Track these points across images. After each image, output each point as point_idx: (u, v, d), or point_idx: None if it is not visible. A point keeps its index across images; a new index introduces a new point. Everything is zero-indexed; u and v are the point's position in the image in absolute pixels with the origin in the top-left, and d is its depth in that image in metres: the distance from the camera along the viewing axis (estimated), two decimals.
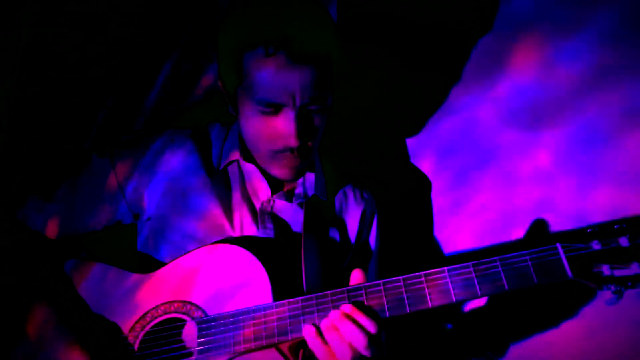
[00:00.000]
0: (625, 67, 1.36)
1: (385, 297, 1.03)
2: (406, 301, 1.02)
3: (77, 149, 1.56)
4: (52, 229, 1.24)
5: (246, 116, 1.20)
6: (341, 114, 1.44)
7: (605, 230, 0.99)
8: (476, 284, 1.00)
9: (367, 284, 1.05)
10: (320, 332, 1.03)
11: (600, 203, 1.29)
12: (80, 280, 1.19)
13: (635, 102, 1.34)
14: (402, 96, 1.64)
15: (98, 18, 1.57)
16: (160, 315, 1.13)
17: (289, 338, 1.05)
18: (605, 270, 0.95)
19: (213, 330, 1.09)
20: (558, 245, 0.99)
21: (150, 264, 1.23)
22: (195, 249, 1.17)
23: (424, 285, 1.02)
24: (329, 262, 1.31)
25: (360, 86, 1.66)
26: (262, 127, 1.18)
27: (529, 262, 0.98)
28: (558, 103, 1.43)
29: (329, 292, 1.06)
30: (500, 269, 0.99)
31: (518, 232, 1.44)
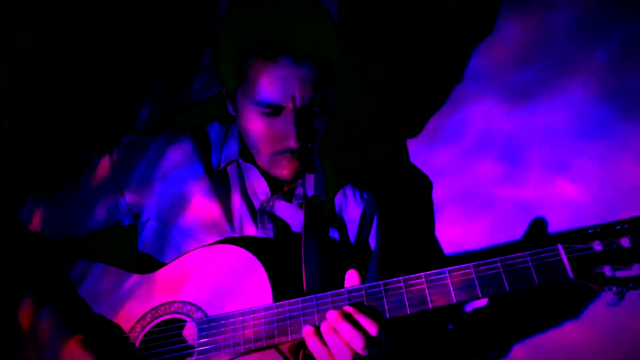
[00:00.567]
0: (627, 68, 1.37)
1: (386, 297, 1.03)
2: (406, 302, 1.02)
3: (77, 149, 1.55)
4: (51, 230, 1.24)
5: (246, 117, 1.20)
6: (341, 114, 1.44)
7: (607, 231, 0.98)
8: (477, 284, 0.99)
9: (368, 284, 1.05)
10: (319, 333, 1.03)
11: (601, 203, 1.29)
12: (80, 281, 1.19)
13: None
14: (402, 96, 1.64)
15: (98, 18, 1.57)
16: (161, 316, 1.13)
17: (289, 339, 1.05)
18: (607, 271, 0.95)
19: (213, 330, 1.08)
20: (559, 246, 0.98)
21: (151, 264, 1.22)
22: (195, 249, 1.17)
23: (425, 286, 1.01)
24: (328, 262, 1.30)
25: (361, 86, 1.66)
26: (262, 128, 1.18)
27: (530, 263, 0.98)
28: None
29: (329, 292, 1.06)
30: (501, 269, 0.99)
31: (519, 233, 1.44)
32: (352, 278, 1.06)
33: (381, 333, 1.01)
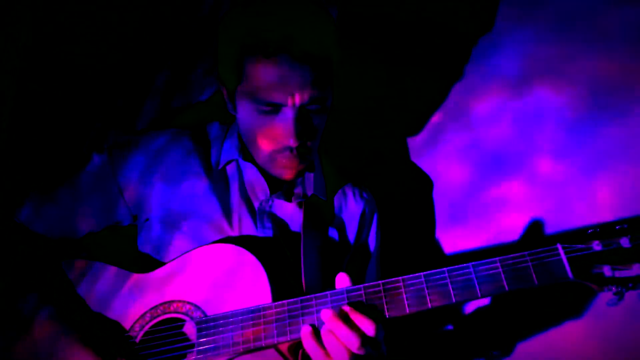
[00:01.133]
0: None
1: (385, 297, 1.03)
2: (405, 302, 1.01)
3: (77, 149, 1.56)
4: (49, 230, 1.24)
5: (245, 115, 1.20)
6: (341, 113, 1.44)
7: (607, 230, 0.98)
8: (476, 284, 0.99)
9: (367, 284, 1.05)
10: (316, 334, 1.02)
11: (601, 203, 1.29)
12: (79, 280, 1.19)
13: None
14: (402, 96, 1.64)
15: (98, 17, 1.57)
16: (160, 315, 1.13)
17: (288, 338, 1.05)
18: (607, 271, 0.95)
19: (212, 330, 1.08)
20: (559, 245, 0.98)
21: (150, 264, 1.22)
22: (194, 248, 1.17)
23: (424, 285, 1.01)
24: (328, 262, 1.30)
25: (361, 85, 1.66)
26: (262, 127, 1.18)
27: (530, 263, 0.98)
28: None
29: (328, 292, 1.06)
30: (500, 269, 0.99)
31: (517, 233, 1.44)
32: (342, 281, 1.06)
33: (379, 333, 1.01)
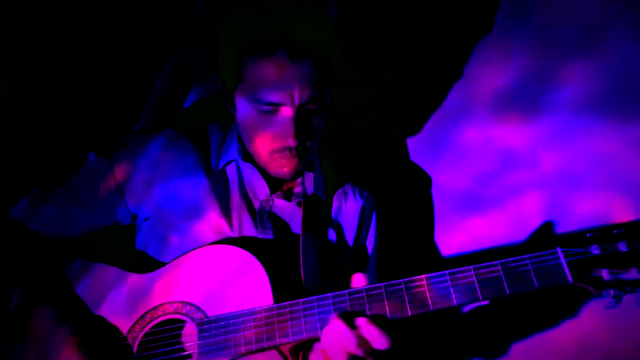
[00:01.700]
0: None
1: (387, 299, 1.04)
2: (407, 304, 1.02)
3: (75, 149, 1.55)
4: (48, 230, 1.23)
5: (245, 115, 1.20)
6: (341, 113, 1.43)
7: (605, 234, 0.99)
8: (477, 287, 1.00)
9: (369, 286, 1.05)
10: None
11: (601, 207, 1.30)
12: (78, 280, 1.19)
13: None
14: (402, 95, 1.64)
15: (98, 17, 1.56)
16: (160, 316, 1.13)
17: (290, 340, 1.05)
18: (605, 275, 0.96)
19: (213, 331, 1.09)
20: (558, 249, 0.99)
21: (149, 264, 1.22)
22: (194, 249, 1.17)
23: (425, 288, 1.02)
24: (327, 262, 1.31)
25: (360, 85, 1.65)
26: (261, 127, 1.18)
27: (530, 267, 0.99)
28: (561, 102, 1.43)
29: (329, 294, 1.06)
30: (501, 273, 1.00)
31: (519, 235, 1.45)
32: (358, 281, 1.07)
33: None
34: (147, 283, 1.17)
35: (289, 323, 1.06)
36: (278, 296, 1.11)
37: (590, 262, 0.97)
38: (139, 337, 1.13)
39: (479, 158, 1.53)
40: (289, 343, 1.07)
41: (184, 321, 1.13)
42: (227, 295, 1.12)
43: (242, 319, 1.08)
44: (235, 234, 1.24)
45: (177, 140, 1.31)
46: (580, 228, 1.32)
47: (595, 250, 0.98)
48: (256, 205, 1.28)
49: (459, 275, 1.01)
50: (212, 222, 1.23)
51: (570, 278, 0.97)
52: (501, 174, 1.50)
